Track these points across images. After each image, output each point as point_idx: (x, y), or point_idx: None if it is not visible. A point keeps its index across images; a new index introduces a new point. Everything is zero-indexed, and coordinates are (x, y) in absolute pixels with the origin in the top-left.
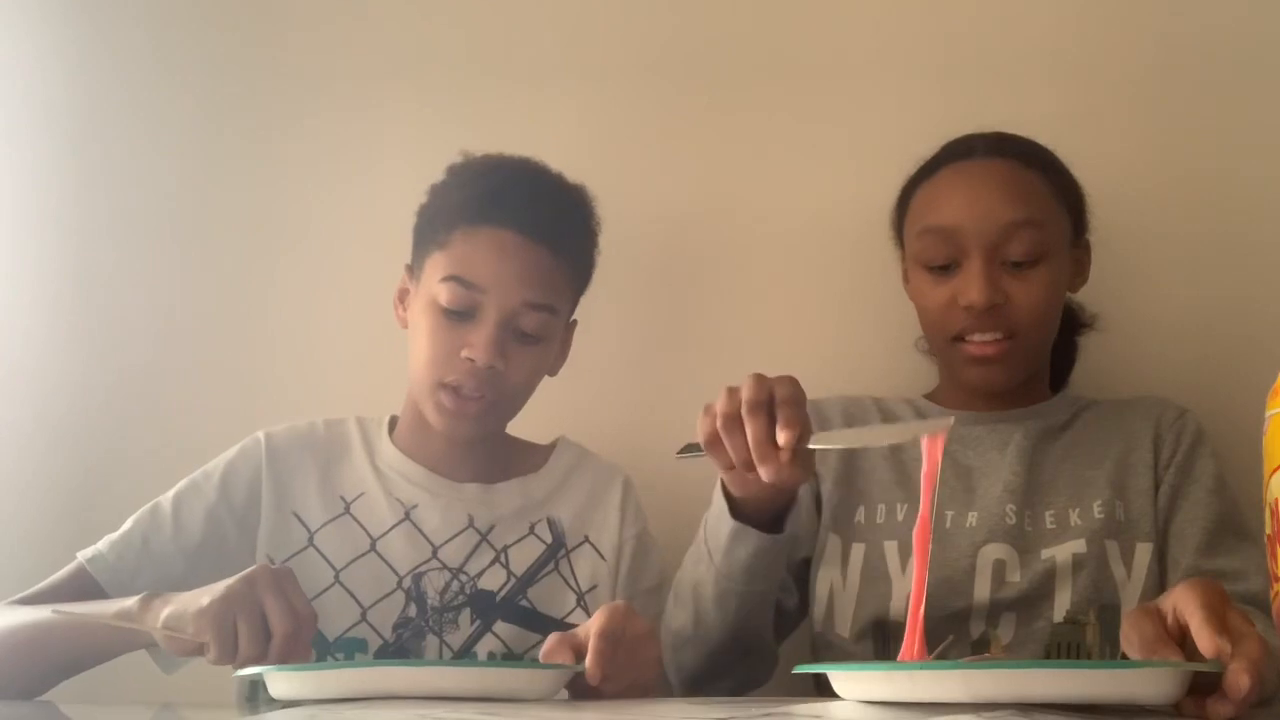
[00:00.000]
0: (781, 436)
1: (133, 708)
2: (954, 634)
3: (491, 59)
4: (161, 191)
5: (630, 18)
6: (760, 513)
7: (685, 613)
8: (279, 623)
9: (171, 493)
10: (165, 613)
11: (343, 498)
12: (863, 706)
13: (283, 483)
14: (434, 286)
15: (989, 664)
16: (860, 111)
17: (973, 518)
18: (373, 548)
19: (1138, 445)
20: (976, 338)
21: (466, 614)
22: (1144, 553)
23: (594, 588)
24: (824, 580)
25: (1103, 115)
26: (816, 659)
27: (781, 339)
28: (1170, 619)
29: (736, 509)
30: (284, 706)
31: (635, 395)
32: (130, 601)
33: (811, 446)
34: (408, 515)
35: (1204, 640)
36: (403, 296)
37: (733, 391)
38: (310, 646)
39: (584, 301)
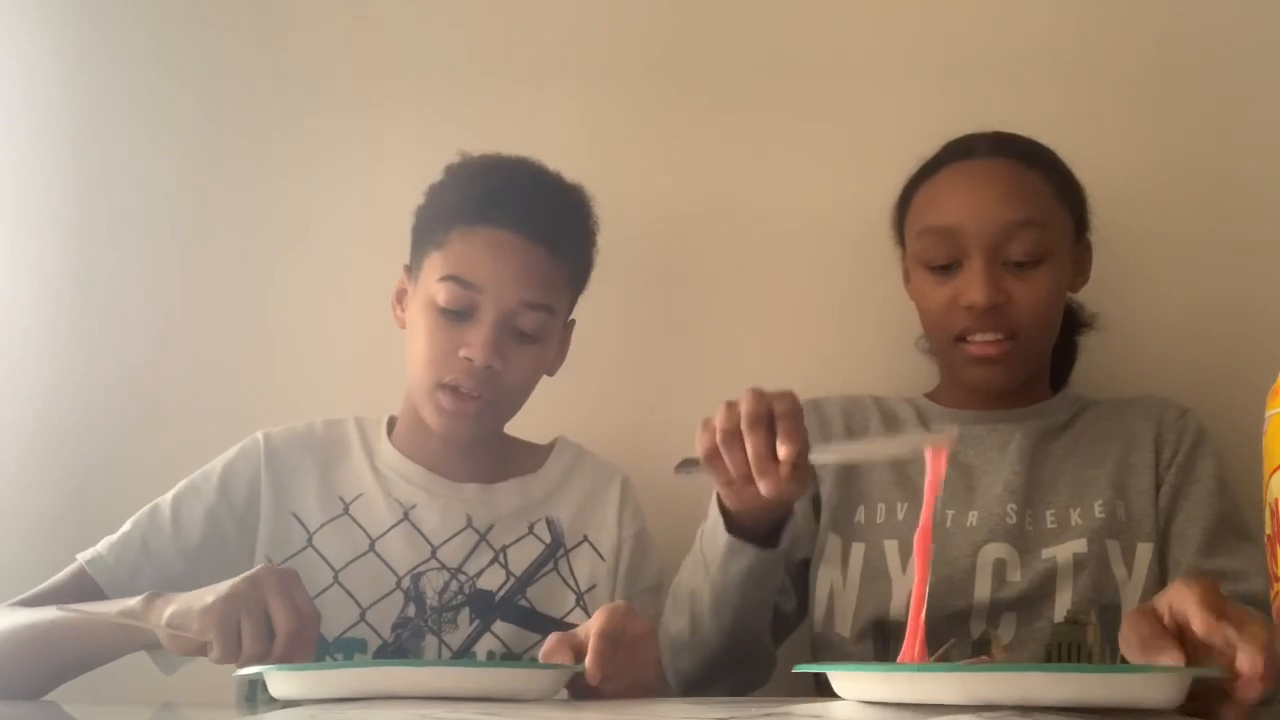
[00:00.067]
0: (782, 450)
1: (132, 708)
2: (954, 633)
3: (491, 59)
4: (161, 191)
5: (630, 18)
6: (756, 526)
7: (682, 619)
8: (283, 621)
9: (171, 494)
10: (169, 611)
11: (341, 498)
12: (863, 707)
13: (282, 483)
14: (432, 286)
15: (989, 666)
16: (860, 111)
17: (973, 517)
18: (371, 548)
19: (1139, 445)
20: (978, 338)
21: (465, 614)
22: (1145, 553)
23: (593, 587)
24: (824, 580)
25: (1103, 115)
26: (816, 659)
27: (781, 339)
28: (1167, 618)
29: (732, 523)
30: (283, 706)
31: (634, 395)
32: (134, 601)
33: (813, 459)
34: (406, 515)
35: (1202, 624)
36: (401, 297)
37: (731, 406)
38: (314, 646)
39: (583, 301)
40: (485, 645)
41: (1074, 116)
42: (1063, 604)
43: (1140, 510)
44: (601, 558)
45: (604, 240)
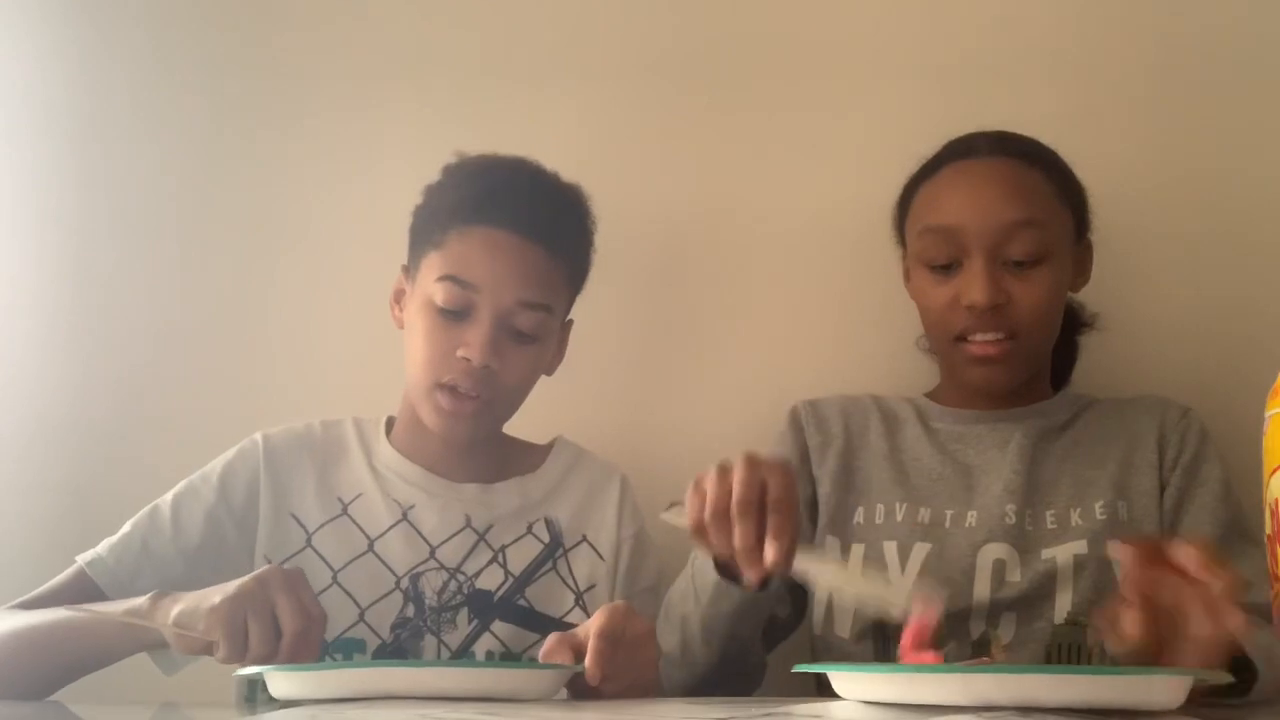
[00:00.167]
0: (769, 552)
1: (132, 708)
2: (954, 634)
3: (491, 59)
4: (161, 191)
5: (630, 18)
6: None
7: (674, 637)
8: (289, 621)
9: (170, 495)
10: (175, 611)
11: (340, 499)
12: (863, 707)
13: (281, 484)
14: (429, 286)
15: (989, 667)
16: (860, 111)
17: (972, 517)
18: (370, 548)
19: (1141, 445)
20: (978, 337)
21: (464, 614)
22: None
23: (592, 587)
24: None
25: (1103, 115)
26: (817, 660)
27: (781, 339)
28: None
29: (720, 566)
30: (283, 706)
31: (634, 395)
32: (140, 600)
33: (796, 569)
34: (405, 516)
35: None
36: (399, 297)
37: (724, 475)
38: (320, 646)
39: (583, 301)
40: (484, 645)
41: (1074, 116)
42: (1063, 605)
43: (1143, 511)
44: (601, 557)
45: (604, 240)
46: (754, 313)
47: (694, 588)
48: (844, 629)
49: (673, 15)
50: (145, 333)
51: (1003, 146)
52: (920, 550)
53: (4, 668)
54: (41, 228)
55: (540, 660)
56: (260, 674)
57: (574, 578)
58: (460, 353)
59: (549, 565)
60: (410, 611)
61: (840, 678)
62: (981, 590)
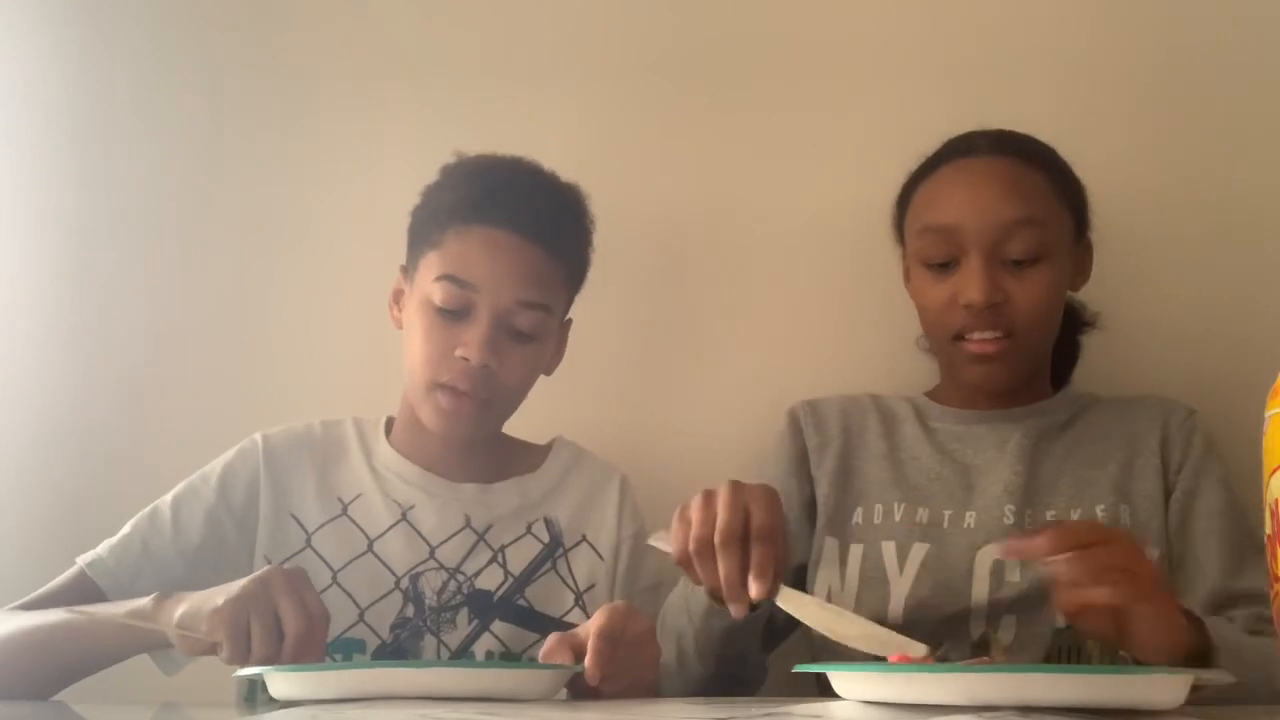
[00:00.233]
0: (754, 589)
1: (133, 708)
2: (953, 635)
3: (491, 59)
4: (161, 191)
5: (630, 18)
6: None
7: (670, 650)
8: (292, 622)
9: (170, 496)
10: (179, 612)
11: (340, 499)
12: (862, 706)
13: (280, 484)
14: (428, 286)
15: (989, 667)
16: (860, 111)
17: (971, 518)
18: (370, 548)
19: (1144, 448)
20: (976, 336)
21: (464, 613)
22: (1151, 556)
23: (592, 587)
24: (822, 583)
25: (1103, 115)
26: (817, 661)
27: (781, 339)
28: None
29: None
30: (283, 706)
31: (634, 395)
32: (143, 601)
33: (779, 604)
34: (405, 516)
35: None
36: (397, 297)
37: (709, 503)
38: (324, 646)
39: (583, 301)
40: (484, 645)
41: (1074, 116)
42: None
43: (1146, 515)
44: (600, 557)
45: (604, 240)
46: (754, 313)
47: (687, 605)
48: None
49: (673, 15)
50: (145, 333)
51: (1002, 145)
52: (919, 550)
53: (6, 669)
54: (41, 228)
55: (540, 660)
56: (260, 674)
57: (574, 578)
58: (459, 352)
59: (548, 565)
60: (410, 611)
61: (840, 677)
62: (980, 591)
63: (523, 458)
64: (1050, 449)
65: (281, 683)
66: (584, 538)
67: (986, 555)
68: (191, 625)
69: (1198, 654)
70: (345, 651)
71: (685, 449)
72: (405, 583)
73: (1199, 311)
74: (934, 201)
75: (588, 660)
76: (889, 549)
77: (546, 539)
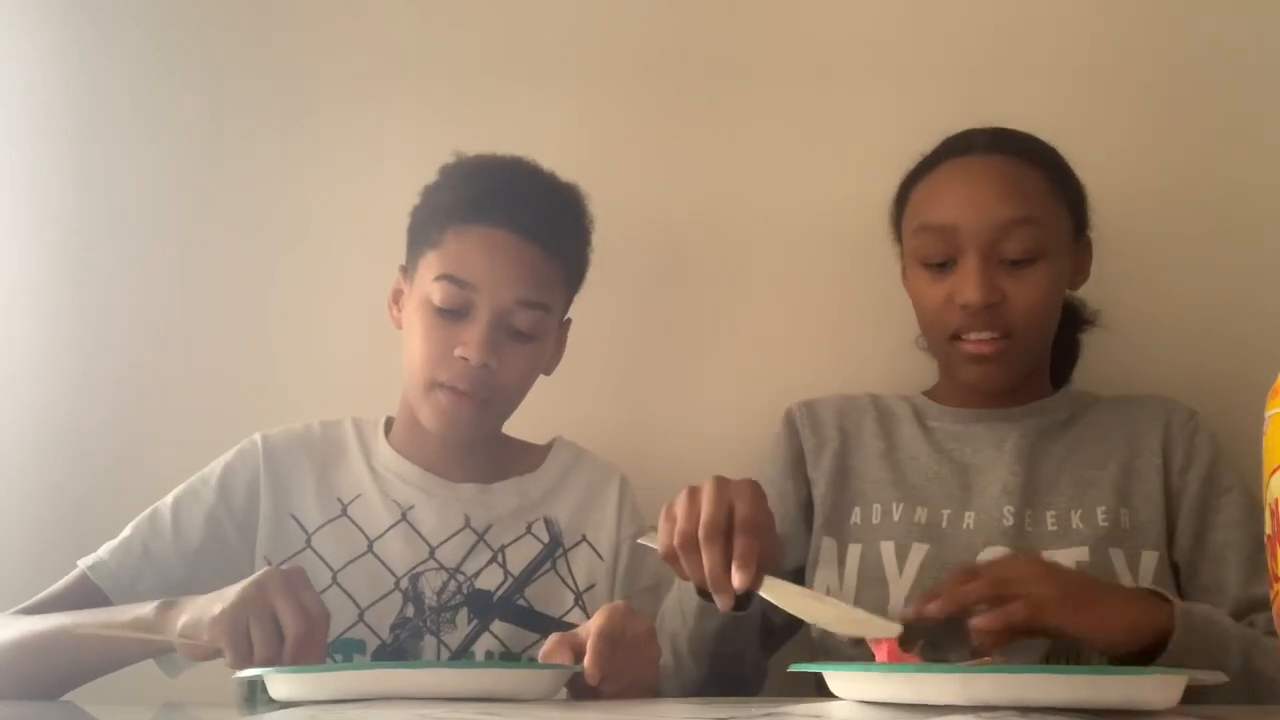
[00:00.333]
0: (737, 579)
1: (134, 708)
2: (953, 635)
3: (491, 59)
4: (161, 191)
5: (630, 18)
6: None
7: (666, 651)
8: (291, 625)
9: (170, 497)
10: (181, 621)
11: (340, 499)
12: (861, 707)
13: (280, 485)
14: (427, 286)
15: (987, 667)
16: (860, 111)
17: (970, 519)
18: (370, 549)
19: (1145, 449)
20: (973, 336)
21: (464, 614)
22: (1150, 560)
23: (592, 587)
24: (820, 584)
25: (1103, 115)
26: (815, 662)
27: (781, 338)
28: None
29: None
30: (283, 707)
31: (634, 395)
32: (146, 610)
33: (762, 594)
34: (404, 516)
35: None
36: (397, 297)
37: (693, 499)
38: (325, 646)
39: (582, 301)
40: (484, 645)
41: (1074, 116)
42: None
43: (1146, 518)
44: (600, 557)
45: (603, 240)
46: (753, 312)
47: (680, 606)
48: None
49: (673, 15)
50: (145, 333)
51: (1000, 143)
52: (919, 551)
53: (9, 674)
54: (41, 228)
55: (540, 660)
56: (259, 675)
57: (573, 578)
58: (458, 352)
59: (548, 565)
60: (410, 612)
61: (837, 678)
62: None
63: (522, 458)
64: (1049, 448)
65: (281, 684)
66: (584, 538)
67: (986, 556)
68: (193, 634)
69: (1168, 634)
70: (345, 652)
71: (685, 449)
72: (405, 583)
73: (1199, 311)
74: (931, 200)
75: (587, 660)
76: (888, 549)
77: (546, 539)
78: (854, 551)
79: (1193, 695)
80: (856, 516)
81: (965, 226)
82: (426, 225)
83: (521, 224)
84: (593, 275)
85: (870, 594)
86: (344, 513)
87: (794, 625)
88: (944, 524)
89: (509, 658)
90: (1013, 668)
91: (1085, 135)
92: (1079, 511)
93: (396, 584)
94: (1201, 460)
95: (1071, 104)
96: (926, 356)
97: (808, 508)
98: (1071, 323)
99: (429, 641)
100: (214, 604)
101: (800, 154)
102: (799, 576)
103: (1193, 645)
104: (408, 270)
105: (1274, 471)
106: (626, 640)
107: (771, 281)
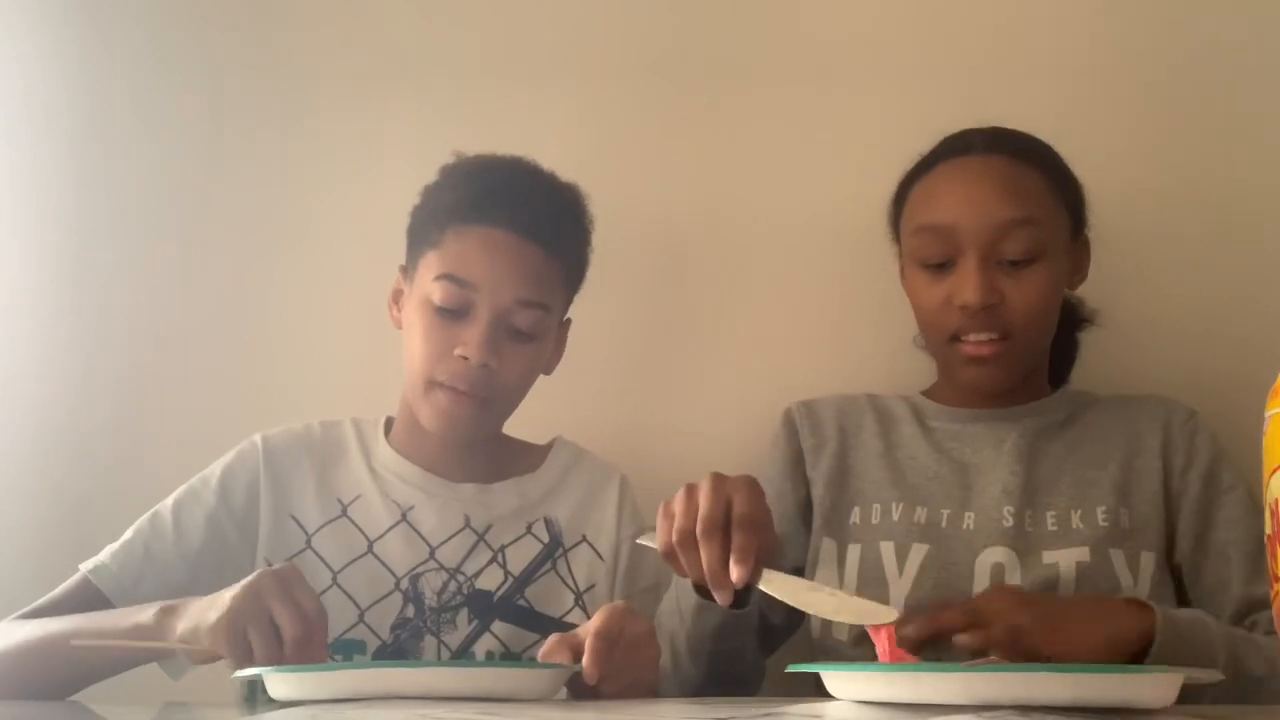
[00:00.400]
0: (735, 573)
1: (134, 707)
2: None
3: (491, 59)
4: (161, 191)
5: (630, 18)
6: None
7: (665, 651)
8: (288, 628)
9: (170, 499)
10: (180, 629)
11: (340, 500)
12: (861, 707)
13: (280, 485)
14: (427, 285)
15: (986, 666)
16: (860, 111)
17: (969, 519)
18: (370, 549)
19: (1144, 449)
20: (972, 337)
21: (464, 614)
22: (1149, 560)
23: (592, 587)
24: (820, 584)
25: (1103, 115)
26: (815, 662)
27: (781, 338)
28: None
29: (699, 584)
30: (283, 706)
31: (634, 395)
32: (145, 617)
33: (761, 588)
34: (404, 517)
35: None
36: (397, 297)
37: (691, 496)
38: (325, 644)
39: (582, 301)
40: (484, 645)
41: (1074, 116)
42: None
43: (1145, 518)
44: (600, 557)
45: (603, 240)
46: (753, 312)
47: (678, 605)
48: (842, 633)
49: (673, 15)
50: (145, 333)
51: (998, 143)
52: (918, 551)
53: (12, 680)
54: (41, 228)
55: (539, 660)
56: (259, 675)
57: (573, 578)
58: (458, 351)
59: (548, 565)
60: (410, 612)
61: (835, 678)
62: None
63: (522, 458)
64: (1048, 448)
65: (279, 684)
66: (584, 538)
67: (987, 557)
68: (192, 641)
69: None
70: (346, 653)
71: (685, 449)
72: (405, 583)
73: (1199, 311)
74: (929, 201)
75: (585, 660)
76: (887, 549)
77: (546, 539)
78: (854, 552)
79: (1188, 695)
80: (856, 516)
81: (964, 227)
82: (426, 225)
83: (521, 224)
84: (593, 275)
85: (870, 594)
86: (344, 513)
87: (793, 624)
88: (944, 524)
89: (509, 658)
90: (1010, 666)
91: (1085, 135)
92: (1079, 511)
93: (397, 584)
94: (1202, 460)
95: (1071, 104)
96: (926, 356)
97: (806, 508)
98: (1069, 322)
99: (429, 642)
100: (209, 611)
101: (800, 154)
102: (799, 577)
103: (1178, 651)
104: (408, 270)
105: (1274, 471)
106: (626, 640)
107: (771, 281)
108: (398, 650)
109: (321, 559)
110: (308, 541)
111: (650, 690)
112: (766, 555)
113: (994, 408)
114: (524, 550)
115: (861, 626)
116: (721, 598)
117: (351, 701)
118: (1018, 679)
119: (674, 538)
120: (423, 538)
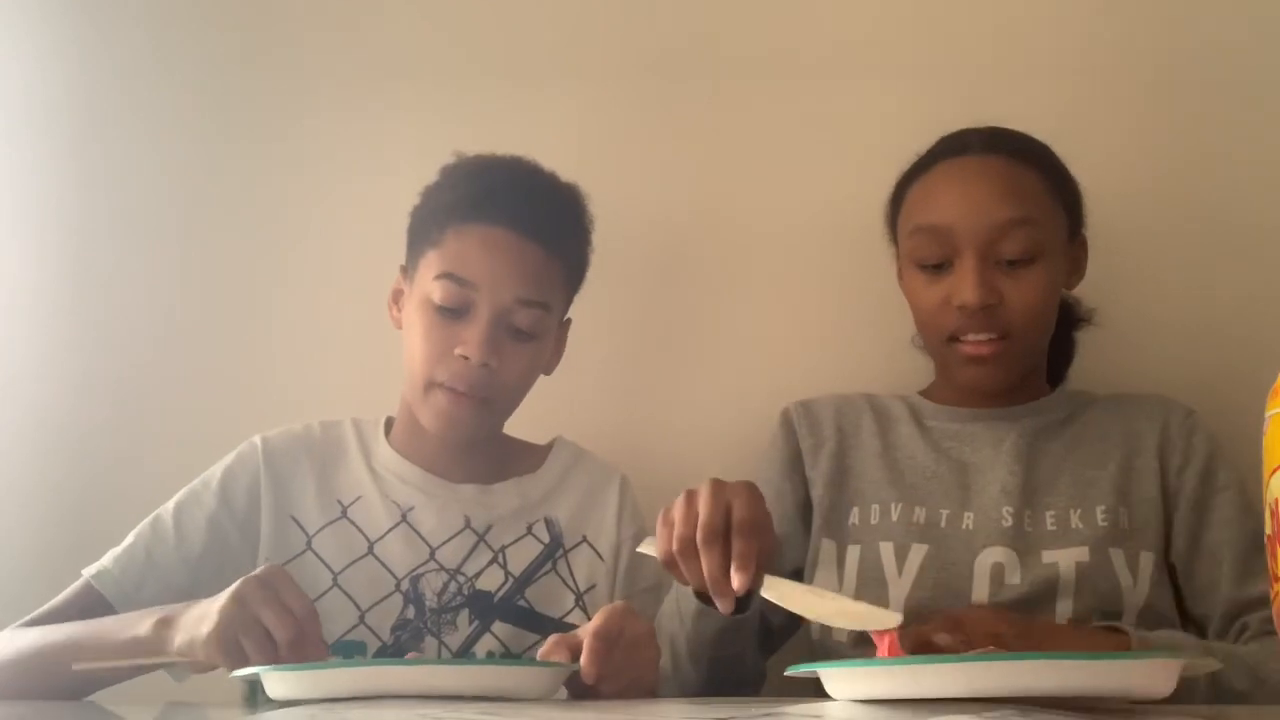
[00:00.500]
0: (736, 581)
1: (135, 707)
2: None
3: (491, 59)
4: (161, 191)
5: (630, 18)
6: None
7: (665, 654)
8: (279, 632)
9: (171, 503)
10: (176, 641)
11: (340, 501)
12: (860, 706)
13: (281, 486)
14: (427, 285)
15: (983, 655)
16: (860, 111)
17: (969, 519)
18: (370, 550)
19: (1143, 450)
20: (970, 338)
21: (465, 615)
22: (1148, 560)
23: (592, 587)
24: (820, 586)
25: (1103, 115)
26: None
27: (779, 338)
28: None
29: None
30: (283, 706)
31: (634, 395)
32: (143, 630)
33: (763, 594)
34: (404, 517)
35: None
36: (397, 297)
37: (690, 503)
38: (320, 642)
39: (582, 301)
40: (484, 646)
41: (1073, 116)
42: (1064, 612)
43: (1144, 518)
44: (600, 558)
45: (603, 240)
46: (753, 312)
47: (679, 609)
48: (842, 634)
49: (673, 15)
50: (145, 333)
51: (996, 144)
52: (918, 552)
53: (15, 689)
54: (41, 228)
55: (538, 660)
56: (257, 675)
57: (574, 578)
58: (458, 351)
59: (549, 566)
60: (411, 613)
61: (834, 678)
62: (980, 593)
63: (522, 458)
64: (1047, 448)
65: (277, 684)
66: (584, 538)
67: (986, 557)
68: (189, 654)
69: None
70: (346, 654)
71: (685, 449)
72: (406, 584)
73: (1198, 311)
74: (927, 201)
75: (583, 659)
76: (887, 550)
77: (547, 539)
78: (853, 552)
79: (1179, 697)
80: (855, 517)
81: (962, 227)
82: (426, 225)
83: (522, 223)
84: (593, 275)
85: (870, 595)
86: (344, 514)
87: (792, 626)
88: (943, 524)
89: (510, 659)
90: (1008, 655)
91: (1084, 135)
92: (1078, 511)
93: (397, 585)
94: (1198, 459)
95: (1071, 104)
96: (924, 356)
97: (805, 508)
98: (1067, 321)
99: (430, 643)
100: (201, 625)
101: (800, 154)
102: (797, 578)
103: None
104: (408, 270)
105: (1274, 471)
106: (625, 640)
107: (770, 281)
108: (398, 651)
109: (322, 560)
110: (308, 543)
111: (650, 691)
112: (767, 559)
113: (992, 407)
114: (524, 551)
115: None
116: (723, 605)
117: (351, 701)
118: (1017, 667)
119: (674, 546)
120: (423, 538)
